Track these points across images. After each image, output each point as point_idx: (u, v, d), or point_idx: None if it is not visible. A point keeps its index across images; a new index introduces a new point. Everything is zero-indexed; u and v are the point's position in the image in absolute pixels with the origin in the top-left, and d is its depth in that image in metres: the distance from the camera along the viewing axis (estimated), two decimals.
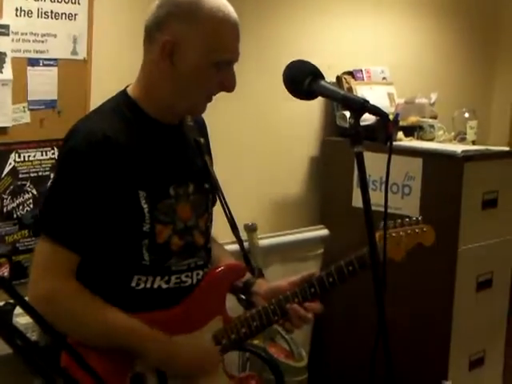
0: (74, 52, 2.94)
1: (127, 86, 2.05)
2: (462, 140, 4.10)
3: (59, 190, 1.94)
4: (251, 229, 3.47)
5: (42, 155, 2.90)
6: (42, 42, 2.84)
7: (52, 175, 2.03)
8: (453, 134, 4.15)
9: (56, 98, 2.91)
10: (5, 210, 2.82)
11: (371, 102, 1.61)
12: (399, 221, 2.21)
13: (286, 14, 3.82)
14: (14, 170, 2.83)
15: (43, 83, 2.86)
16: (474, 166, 3.50)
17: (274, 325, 2.14)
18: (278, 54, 3.65)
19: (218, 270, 2.13)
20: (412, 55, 4.55)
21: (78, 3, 2.91)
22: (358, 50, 4.17)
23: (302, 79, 1.68)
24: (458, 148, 3.56)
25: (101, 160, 1.89)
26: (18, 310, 1.20)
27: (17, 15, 2.75)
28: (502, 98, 5.20)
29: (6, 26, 2.71)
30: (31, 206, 2.87)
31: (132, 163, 1.93)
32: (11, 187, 2.83)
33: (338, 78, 3.93)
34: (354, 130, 1.58)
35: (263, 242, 3.57)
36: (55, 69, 2.90)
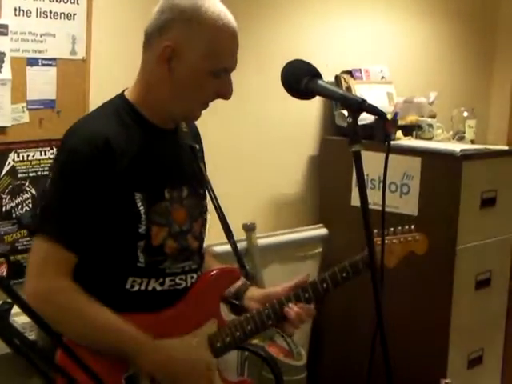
0: (73, 52, 2.94)
1: (125, 90, 2.06)
2: (461, 139, 4.10)
3: (57, 189, 1.94)
4: (250, 228, 3.48)
5: (41, 155, 2.90)
6: (41, 41, 2.84)
7: (50, 174, 2.02)
8: (451, 133, 4.15)
9: (55, 97, 2.91)
10: (4, 209, 2.82)
11: (370, 101, 1.61)
12: (392, 229, 2.21)
13: (284, 14, 3.82)
14: (12, 170, 2.83)
15: (42, 83, 2.86)
16: (473, 165, 3.50)
17: (268, 329, 2.15)
18: (277, 53, 3.65)
19: (212, 273, 2.14)
20: (411, 54, 4.56)
21: (77, 3, 2.91)
22: (356, 50, 4.17)
23: (299, 79, 1.68)
24: (456, 147, 3.56)
25: (100, 162, 1.90)
26: (16, 309, 1.20)
27: (16, 15, 2.75)
28: (500, 96, 5.20)
29: (5, 26, 2.72)
30: (30, 205, 2.87)
31: (129, 165, 1.94)
32: (10, 187, 2.83)
33: (337, 78, 3.93)
34: (351, 129, 1.58)
35: (262, 242, 3.57)
36: (54, 69, 2.90)
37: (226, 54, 1.96)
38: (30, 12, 2.79)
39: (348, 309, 3.80)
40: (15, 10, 2.74)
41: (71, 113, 2.84)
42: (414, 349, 3.57)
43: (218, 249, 2.77)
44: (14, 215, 2.85)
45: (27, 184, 2.87)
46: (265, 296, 2.15)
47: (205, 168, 2.21)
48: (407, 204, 3.55)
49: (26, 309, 1.11)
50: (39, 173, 2.89)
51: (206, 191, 2.17)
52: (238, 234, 3.18)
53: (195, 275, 2.09)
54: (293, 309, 2.09)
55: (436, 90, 4.22)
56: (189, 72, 1.94)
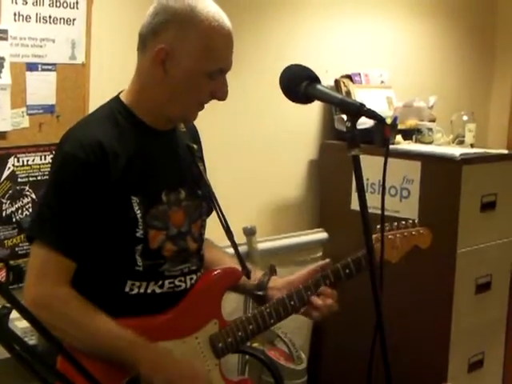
0: (73, 57, 2.94)
1: (120, 92, 2.07)
2: (461, 143, 4.10)
3: (53, 195, 1.94)
4: (250, 232, 3.48)
5: (41, 159, 2.90)
6: (41, 46, 2.84)
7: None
8: (451, 137, 4.15)
9: (55, 102, 2.91)
10: (4, 214, 2.82)
11: (369, 105, 1.61)
12: (395, 223, 2.21)
13: (283, 18, 3.83)
14: (12, 175, 2.83)
15: (42, 88, 2.86)
16: (473, 169, 3.50)
17: (270, 328, 2.16)
18: (276, 57, 3.66)
19: (213, 274, 2.14)
20: (410, 58, 4.56)
21: (77, 8, 2.92)
22: (356, 54, 4.18)
23: (298, 83, 1.68)
24: (456, 151, 3.57)
25: (94, 166, 1.90)
26: (17, 314, 1.20)
27: (15, 20, 2.75)
28: (500, 100, 5.20)
29: (5, 31, 2.72)
30: (30, 210, 2.87)
31: (125, 169, 1.94)
32: (10, 191, 2.83)
33: (337, 82, 3.94)
34: (350, 134, 1.58)
35: (262, 246, 3.57)
36: (54, 73, 2.90)
37: (220, 55, 1.95)
38: (30, 17, 2.79)
39: (348, 313, 3.79)
40: (15, 15, 2.75)
41: (71, 117, 2.84)
42: (415, 353, 3.56)
43: None
44: (14, 220, 2.85)
45: (27, 189, 2.87)
46: (288, 283, 2.18)
47: (204, 168, 2.20)
48: (407, 208, 3.55)
49: (25, 314, 1.11)
50: (39, 177, 2.89)
51: (206, 193, 2.17)
52: (238, 238, 3.18)
53: (195, 276, 2.09)
54: (317, 298, 2.13)
55: (435, 94, 4.22)
56: (183, 74, 1.93)
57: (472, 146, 4.14)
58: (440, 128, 4.09)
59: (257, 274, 2.23)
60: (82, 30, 2.95)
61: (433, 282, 3.52)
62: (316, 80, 1.70)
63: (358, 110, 1.59)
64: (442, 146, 3.91)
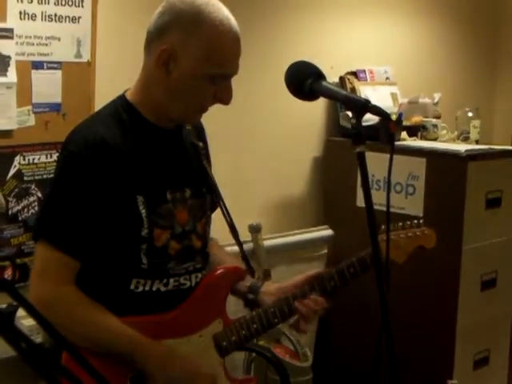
0: (78, 55, 2.95)
1: (126, 90, 2.06)
2: (466, 139, 4.10)
3: (58, 194, 1.94)
4: (255, 229, 3.48)
5: (47, 158, 2.91)
6: (46, 45, 2.85)
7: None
8: (456, 133, 4.15)
9: (60, 100, 2.92)
10: (10, 212, 2.83)
11: (374, 102, 1.62)
12: (400, 224, 2.21)
13: (288, 15, 3.83)
14: (18, 173, 2.84)
15: (47, 86, 2.87)
16: (478, 166, 3.50)
17: (274, 327, 2.14)
18: (281, 54, 3.66)
19: (217, 273, 2.13)
20: (415, 55, 4.56)
21: (82, 6, 2.92)
22: (361, 51, 4.17)
23: (303, 80, 1.68)
24: (461, 147, 3.56)
25: (99, 163, 1.90)
26: (23, 312, 1.21)
27: (21, 18, 2.76)
28: (505, 96, 5.19)
29: (10, 30, 2.73)
30: (36, 208, 2.87)
31: (130, 167, 1.93)
32: (16, 190, 2.84)
33: (342, 79, 3.94)
34: (355, 130, 1.58)
35: (267, 243, 3.57)
36: (59, 72, 2.91)
37: (224, 60, 1.92)
38: (35, 16, 2.80)
39: (354, 310, 3.80)
40: (20, 13, 2.76)
41: (77, 116, 2.83)
42: (420, 350, 3.56)
43: None
44: (20, 218, 2.85)
45: (33, 187, 2.88)
46: (279, 289, 2.15)
47: (210, 166, 2.19)
48: (412, 205, 3.55)
49: (32, 311, 1.11)
50: (45, 176, 2.90)
51: (211, 190, 2.16)
52: (244, 235, 3.19)
53: (200, 275, 2.09)
54: (302, 303, 2.08)
55: (440, 91, 4.22)
56: (185, 76, 1.91)
57: (477, 142, 4.14)
58: (445, 124, 4.09)
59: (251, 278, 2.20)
60: (87, 29, 2.95)
61: (438, 279, 3.52)
62: (321, 76, 1.69)
63: (363, 107, 1.58)
64: (447, 143, 3.91)
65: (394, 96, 4.08)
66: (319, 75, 1.69)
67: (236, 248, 2.25)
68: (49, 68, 2.87)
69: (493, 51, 5.15)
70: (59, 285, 1.91)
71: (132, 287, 1.97)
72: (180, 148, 2.09)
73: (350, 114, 1.60)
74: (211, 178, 2.15)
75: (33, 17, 2.79)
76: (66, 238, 1.91)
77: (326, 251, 3.88)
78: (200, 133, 2.22)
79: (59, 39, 2.88)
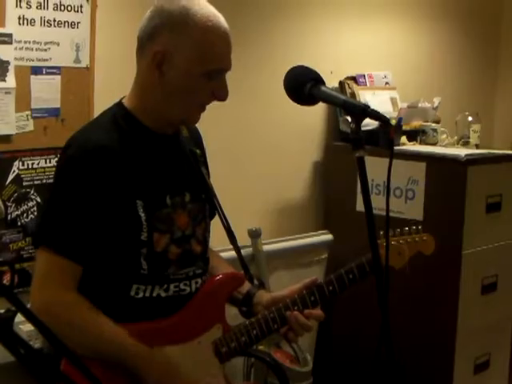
0: (77, 60, 2.95)
1: (123, 97, 2.07)
2: (466, 144, 4.09)
3: (58, 199, 1.95)
4: (255, 234, 3.47)
5: (46, 163, 2.91)
6: (45, 50, 2.85)
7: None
8: (456, 137, 4.15)
9: (59, 105, 2.92)
10: (9, 217, 2.82)
11: (374, 106, 1.61)
12: (398, 230, 2.21)
13: (288, 20, 3.82)
14: (17, 178, 2.83)
15: (46, 91, 2.87)
16: (478, 170, 3.50)
17: (273, 333, 2.14)
18: (281, 59, 3.65)
19: (216, 279, 2.13)
20: (415, 60, 4.56)
21: (81, 11, 2.92)
22: (360, 55, 4.17)
23: (302, 85, 1.68)
24: (461, 152, 3.56)
25: (98, 168, 1.90)
26: (21, 317, 1.20)
27: (20, 24, 2.76)
28: (505, 101, 5.19)
29: (9, 35, 2.72)
30: (35, 213, 2.87)
31: (129, 172, 1.94)
32: (15, 195, 2.83)
33: (341, 83, 3.94)
34: (355, 135, 1.58)
35: (267, 248, 3.57)
36: (58, 77, 2.90)
37: (217, 55, 1.95)
38: (34, 21, 2.80)
39: (354, 314, 3.80)
40: (19, 18, 2.75)
41: (75, 121, 2.84)
42: (421, 354, 3.56)
43: (223, 255, 2.77)
44: (19, 223, 2.85)
45: (32, 192, 2.87)
46: (272, 301, 2.15)
47: (207, 173, 2.21)
48: (412, 209, 3.55)
49: (30, 317, 1.11)
50: (44, 181, 2.90)
51: (209, 196, 2.17)
52: (244, 240, 3.18)
53: (200, 280, 2.09)
54: (297, 317, 2.08)
55: (440, 95, 4.21)
56: (181, 76, 1.94)
57: (477, 146, 4.13)
58: (445, 129, 4.09)
59: (246, 288, 2.20)
60: (86, 34, 2.95)
61: (438, 283, 3.51)
62: (320, 81, 1.69)
63: (363, 112, 1.58)
64: (447, 147, 3.91)
65: (393, 101, 4.07)
66: (318, 80, 1.69)
67: (232, 254, 2.25)
68: (48, 73, 2.87)
69: (493, 55, 5.15)
70: (60, 291, 1.91)
71: (132, 293, 1.97)
72: (178, 153, 2.10)
73: (349, 118, 1.60)
74: (209, 184, 2.16)
75: (32, 22, 2.79)
76: (68, 243, 1.91)
77: (326, 256, 3.87)
78: (197, 140, 2.23)
79: (58, 44, 2.88)
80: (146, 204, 1.95)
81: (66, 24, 2.89)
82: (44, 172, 2.90)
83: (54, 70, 2.89)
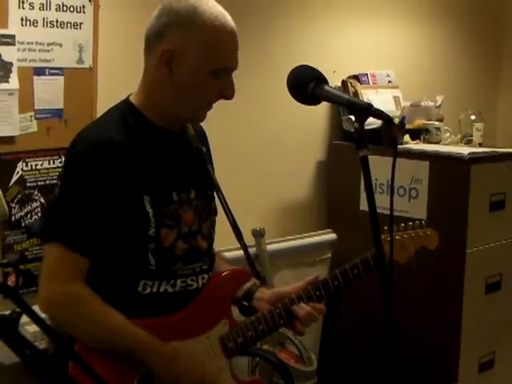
0: (80, 61, 2.95)
1: (130, 95, 2.08)
2: (469, 142, 4.09)
3: (66, 195, 1.96)
4: (259, 234, 3.47)
5: (50, 164, 2.91)
6: (48, 51, 2.85)
7: (59, 182, 2.03)
8: (459, 136, 4.14)
9: (62, 106, 2.92)
10: (13, 218, 2.83)
11: (377, 105, 1.61)
12: (403, 225, 2.21)
13: (291, 20, 3.82)
14: (21, 179, 2.84)
15: (49, 92, 2.87)
16: (481, 168, 3.50)
17: (280, 328, 2.15)
18: (283, 58, 3.66)
19: (223, 274, 2.15)
20: (417, 58, 4.55)
21: (83, 12, 2.93)
22: (363, 54, 4.17)
23: (305, 84, 1.68)
24: (464, 150, 3.56)
25: (106, 163, 1.92)
26: (26, 318, 1.20)
27: (22, 25, 2.76)
28: (508, 99, 5.19)
29: (12, 36, 2.73)
30: (39, 214, 2.87)
31: (136, 168, 1.96)
32: (19, 196, 2.84)
33: (344, 83, 3.94)
34: (358, 134, 1.58)
35: (271, 247, 3.57)
36: (61, 78, 2.91)
37: (225, 54, 1.97)
38: (37, 22, 2.80)
39: (359, 313, 3.80)
40: (22, 19, 2.76)
41: (78, 121, 2.84)
42: (425, 353, 3.55)
43: (227, 254, 2.77)
44: (23, 224, 2.85)
45: (36, 193, 2.88)
46: (275, 296, 2.16)
47: (213, 170, 2.22)
48: (416, 208, 3.54)
49: (35, 318, 1.11)
50: (48, 181, 2.90)
51: (215, 193, 2.19)
52: (247, 239, 3.17)
53: (206, 276, 2.11)
54: (303, 307, 2.09)
55: (443, 94, 4.21)
56: (189, 74, 1.96)
57: (480, 145, 4.13)
58: (448, 127, 4.08)
59: (246, 285, 2.21)
60: (89, 34, 2.96)
61: (442, 282, 3.51)
62: (323, 81, 1.69)
63: (366, 111, 1.58)
64: (450, 146, 3.91)
65: (396, 99, 4.07)
66: (321, 79, 1.69)
67: (240, 252, 2.26)
68: (51, 74, 2.87)
69: (496, 54, 5.15)
70: (68, 284, 1.92)
71: (140, 289, 1.98)
72: (185, 150, 2.12)
73: (352, 117, 1.60)
74: (215, 181, 2.17)
75: (34, 23, 2.79)
76: (78, 237, 1.92)
77: (329, 255, 3.88)
78: (203, 138, 2.25)
79: (61, 45, 2.88)
80: (153, 200, 1.97)
81: (69, 25, 2.89)
82: (48, 173, 2.90)
83: (57, 71, 2.89)
